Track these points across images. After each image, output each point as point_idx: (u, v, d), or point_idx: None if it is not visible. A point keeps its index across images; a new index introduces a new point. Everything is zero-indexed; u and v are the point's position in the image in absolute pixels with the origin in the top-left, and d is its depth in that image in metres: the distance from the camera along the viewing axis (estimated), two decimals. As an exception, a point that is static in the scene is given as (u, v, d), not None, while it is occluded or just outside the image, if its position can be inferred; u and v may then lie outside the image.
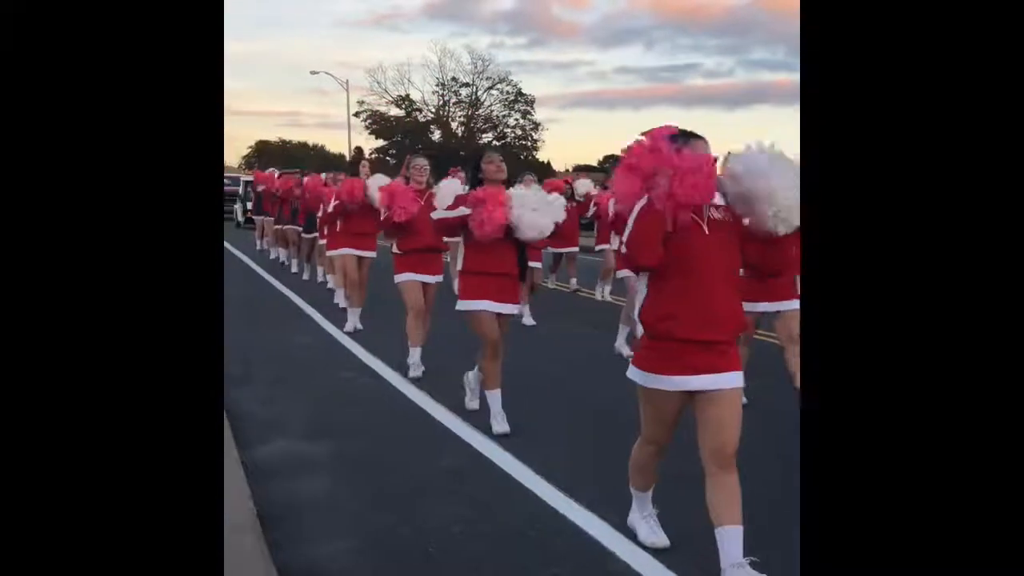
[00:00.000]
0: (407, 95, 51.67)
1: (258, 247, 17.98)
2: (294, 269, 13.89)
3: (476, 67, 51.23)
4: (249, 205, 23.97)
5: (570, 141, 77.30)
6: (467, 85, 51.45)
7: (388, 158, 49.00)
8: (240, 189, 27.55)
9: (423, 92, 57.96)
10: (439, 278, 6.82)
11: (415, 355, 6.58)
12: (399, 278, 6.61)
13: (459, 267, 5.17)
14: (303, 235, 12.96)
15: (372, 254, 8.80)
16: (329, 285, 11.37)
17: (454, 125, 52.71)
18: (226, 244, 19.28)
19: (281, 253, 15.13)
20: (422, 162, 6.89)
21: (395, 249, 6.68)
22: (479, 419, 5.23)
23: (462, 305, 5.06)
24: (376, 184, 7.61)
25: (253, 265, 15.14)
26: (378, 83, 51.68)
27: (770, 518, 3.58)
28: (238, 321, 9.20)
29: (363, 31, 76.23)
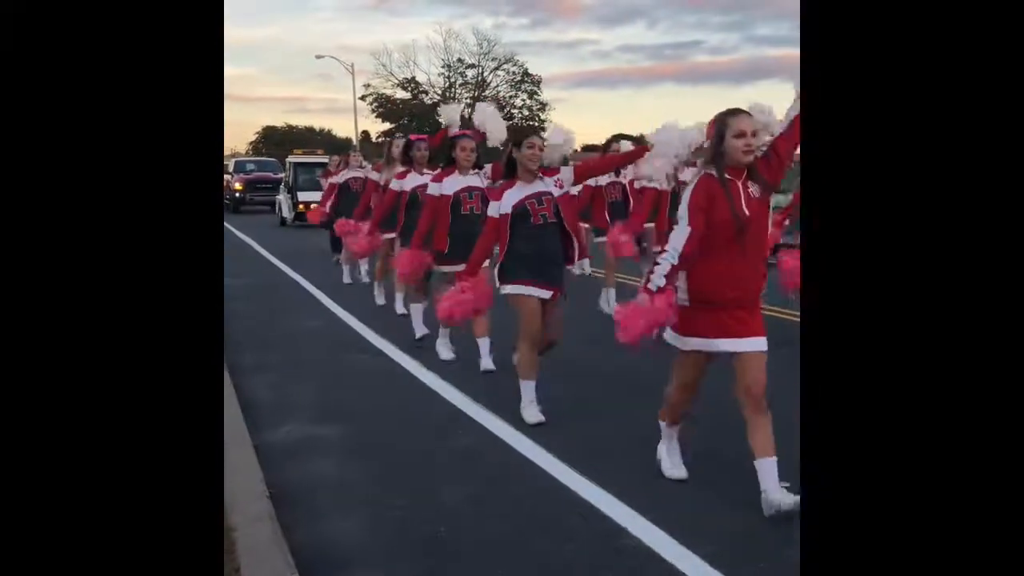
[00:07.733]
0: (413, 77, 51.40)
1: (346, 278, 10.97)
2: (401, 310, 8.16)
3: (481, 48, 50.93)
4: (302, 195, 18.28)
5: (577, 121, 76.95)
6: (473, 66, 51.13)
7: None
8: (290, 176, 21.16)
9: (429, 74, 57.86)
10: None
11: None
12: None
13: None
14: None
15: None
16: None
17: (461, 107, 52.53)
18: (245, 238, 19.17)
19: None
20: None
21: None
22: (490, 399, 5.23)
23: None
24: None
25: (266, 253, 15.13)
26: (383, 66, 51.36)
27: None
28: (249, 307, 9.23)
29: (367, 14, 75.94)
